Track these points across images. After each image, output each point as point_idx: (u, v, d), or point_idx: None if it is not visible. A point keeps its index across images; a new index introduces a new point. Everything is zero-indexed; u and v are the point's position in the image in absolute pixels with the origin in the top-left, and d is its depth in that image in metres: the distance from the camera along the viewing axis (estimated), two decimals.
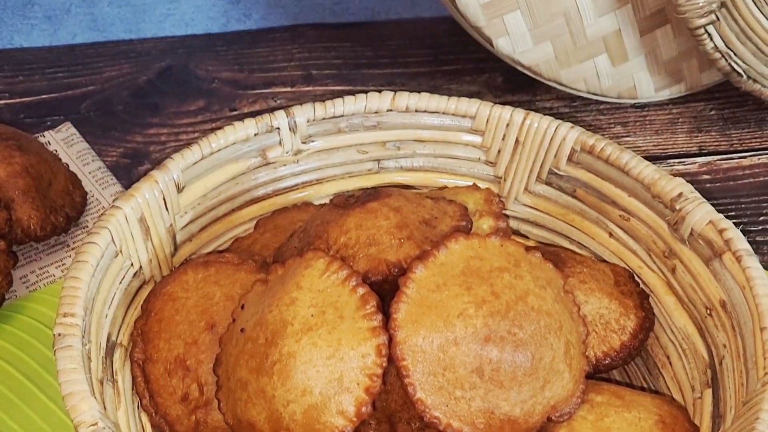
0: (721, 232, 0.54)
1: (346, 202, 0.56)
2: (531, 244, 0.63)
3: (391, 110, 0.62)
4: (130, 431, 0.52)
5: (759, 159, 0.76)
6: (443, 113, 0.62)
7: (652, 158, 0.76)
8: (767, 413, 0.47)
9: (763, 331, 0.50)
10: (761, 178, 0.74)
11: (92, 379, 0.50)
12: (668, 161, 0.75)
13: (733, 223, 0.54)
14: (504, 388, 0.48)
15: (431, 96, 0.62)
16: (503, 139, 0.62)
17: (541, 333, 0.49)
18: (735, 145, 0.77)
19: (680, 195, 0.56)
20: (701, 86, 0.82)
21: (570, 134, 0.61)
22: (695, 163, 0.75)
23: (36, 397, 0.60)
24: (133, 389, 0.55)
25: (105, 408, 0.50)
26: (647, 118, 0.81)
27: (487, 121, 0.62)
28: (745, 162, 0.75)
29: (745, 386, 0.51)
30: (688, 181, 0.57)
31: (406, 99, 0.62)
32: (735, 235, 0.54)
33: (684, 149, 0.77)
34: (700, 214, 0.55)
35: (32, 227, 0.65)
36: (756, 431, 0.46)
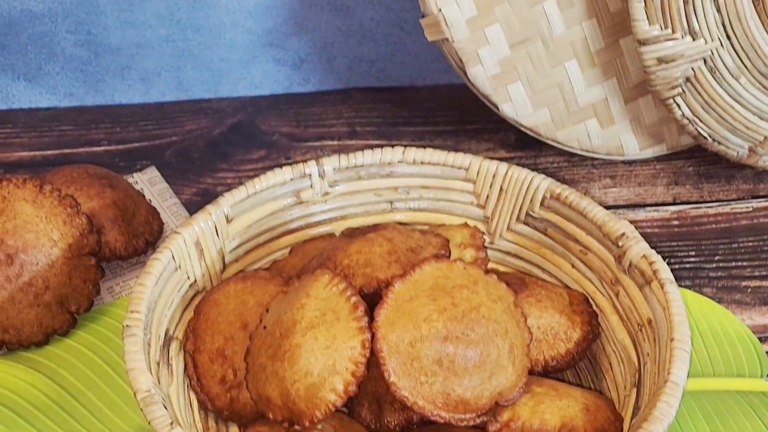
0: (651, 264, 0.67)
1: (352, 233, 0.71)
2: (509, 272, 0.77)
3: (401, 162, 0.76)
4: (179, 403, 0.67)
5: (723, 209, 0.87)
6: (443, 165, 0.76)
7: (634, 206, 0.88)
8: (664, 402, 0.60)
9: (672, 341, 0.62)
10: (722, 225, 0.85)
11: (150, 361, 0.64)
12: (646, 208, 0.88)
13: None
14: (458, 376, 0.61)
15: (434, 151, 0.76)
16: (490, 186, 0.76)
17: (489, 335, 0.62)
18: (705, 197, 0.89)
19: (623, 234, 0.70)
20: (681, 147, 0.93)
21: (542, 184, 0.74)
22: (668, 210, 0.88)
23: (114, 380, 0.75)
24: (184, 373, 0.69)
25: (159, 382, 0.65)
26: (633, 172, 0.92)
27: (478, 173, 0.76)
28: (711, 211, 0.88)
29: (656, 384, 0.63)
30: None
31: (413, 153, 0.76)
32: (662, 266, 0.67)
33: (661, 199, 0.89)
34: (637, 249, 0.69)
35: (118, 248, 0.81)
36: (652, 416, 0.60)
